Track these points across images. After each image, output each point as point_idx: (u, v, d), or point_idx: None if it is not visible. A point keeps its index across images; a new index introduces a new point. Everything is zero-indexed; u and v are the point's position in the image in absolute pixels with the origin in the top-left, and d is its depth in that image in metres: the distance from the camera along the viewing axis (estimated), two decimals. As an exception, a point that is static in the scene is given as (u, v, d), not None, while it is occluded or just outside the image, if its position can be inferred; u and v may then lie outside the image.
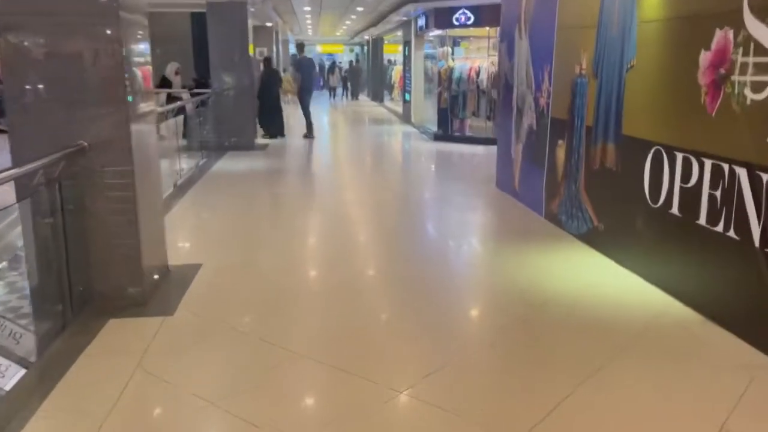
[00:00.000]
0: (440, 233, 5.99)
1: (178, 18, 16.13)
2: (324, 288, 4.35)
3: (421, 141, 12.81)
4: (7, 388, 2.94)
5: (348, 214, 6.67)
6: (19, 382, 2.97)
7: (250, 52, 11.61)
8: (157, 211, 4.34)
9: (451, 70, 12.34)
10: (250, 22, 11.75)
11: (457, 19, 12.42)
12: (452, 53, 13.26)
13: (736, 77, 3.33)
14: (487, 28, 12.13)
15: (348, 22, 22.23)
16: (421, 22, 14.16)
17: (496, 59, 9.77)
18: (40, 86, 3.56)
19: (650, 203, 4.14)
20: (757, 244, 3.22)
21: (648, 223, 4.22)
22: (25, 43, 3.51)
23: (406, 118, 16.37)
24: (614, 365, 3.11)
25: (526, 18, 6.50)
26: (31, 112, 3.56)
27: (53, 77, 3.57)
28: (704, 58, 3.59)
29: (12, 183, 3.20)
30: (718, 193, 3.50)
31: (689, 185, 3.74)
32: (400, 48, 18.77)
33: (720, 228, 3.48)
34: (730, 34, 3.37)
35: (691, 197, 3.73)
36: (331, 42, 35.54)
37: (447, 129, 12.57)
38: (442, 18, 12.72)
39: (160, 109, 8.20)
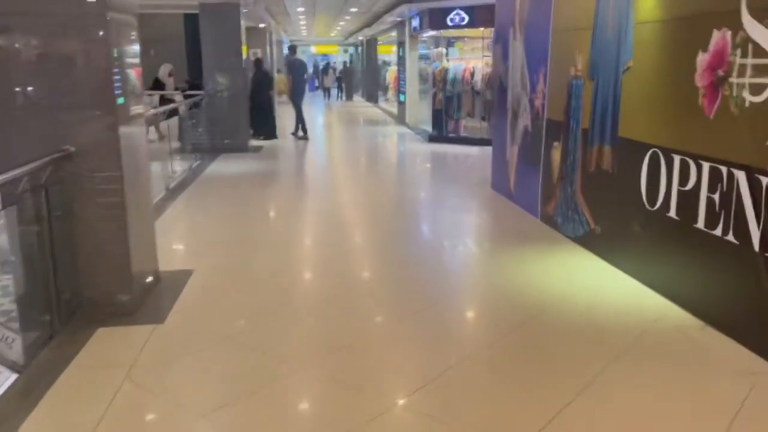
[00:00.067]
0: (435, 236, 5.94)
1: (171, 19, 16.03)
2: (319, 295, 4.28)
3: (415, 142, 12.76)
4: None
5: (342, 217, 6.61)
6: (3, 395, 2.89)
7: (243, 53, 11.53)
8: (147, 217, 4.27)
9: (445, 70, 12.30)
10: (243, 23, 11.67)
11: (451, 20, 12.38)
12: (447, 54, 13.21)
13: (734, 79, 3.29)
14: (482, 28, 12.09)
15: (342, 23, 22.17)
16: (415, 22, 14.11)
17: (490, 60, 9.73)
18: (26, 89, 3.49)
19: (647, 206, 4.09)
20: (756, 248, 3.17)
21: (645, 226, 4.17)
22: (10, 45, 3.44)
23: (400, 119, 16.32)
24: (613, 372, 3.06)
25: (520, 20, 6.45)
26: (15, 115, 3.48)
27: (39, 79, 3.49)
28: (701, 59, 3.54)
29: (-3, 189, 3.12)
30: (716, 197, 3.45)
31: (687, 188, 3.70)
32: (395, 49, 18.72)
33: (719, 232, 3.43)
34: (728, 35, 3.32)
35: (689, 200, 3.68)
36: (326, 43, 35.46)
37: (442, 130, 12.52)
38: (437, 19, 12.68)
39: (152, 111, 8.14)
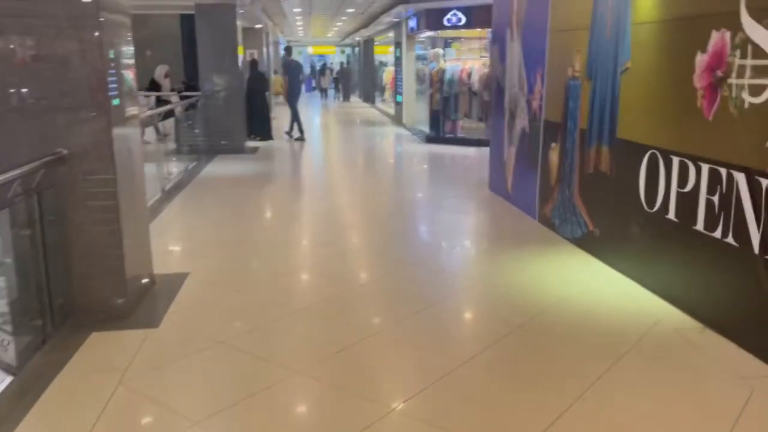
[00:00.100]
0: (433, 237, 5.90)
1: (167, 20, 15.99)
2: (316, 298, 4.24)
3: (413, 143, 12.74)
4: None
5: (339, 219, 6.57)
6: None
7: (240, 54, 11.49)
8: (141, 220, 4.23)
9: (442, 71, 12.27)
10: (240, 24, 11.63)
11: (448, 21, 12.36)
12: (444, 55, 13.18)
13: (733, 80, 3.26)
14: (479, 29, 12.06)
15: (339, 24, 22.15)
16: (412, 23, 14.08)
17: (487, 60, 9.70)
18: (18, 91, 3.44)
19: (646, 208, 4.07)
20: (756, 250, 3.15)
21: (644, 228, 4.15)
22: (3, 46, 3.40)
23: (397, 119, 16.29)
24: (613, 375, 3.03)
25: (517, 20, 6.43)
26: (7, 118, 3.44)
27: (31, 81, 3.45)
28: (700, 60, 3.51)
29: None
30: (715, 199, 3.43)
31: (686, 190, 3.67)
32: (391, 49, 18.69)
33: (718, 234, 3.41)
34: (727, 36, 3.30)
35: (688, 202, 3.65)
36: (322, 44, 35.44)
37: (439, 131, 12.49)
38: (434, 19, 12.66)
39: (149, 113, 8.09)
